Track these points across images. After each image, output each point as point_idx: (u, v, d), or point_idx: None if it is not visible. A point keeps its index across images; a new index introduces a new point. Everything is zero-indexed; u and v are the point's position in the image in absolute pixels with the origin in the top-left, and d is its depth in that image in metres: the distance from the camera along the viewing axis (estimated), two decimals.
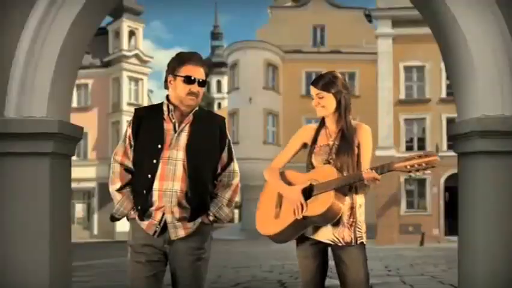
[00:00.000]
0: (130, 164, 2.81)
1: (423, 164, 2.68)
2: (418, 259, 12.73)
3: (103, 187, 32.89)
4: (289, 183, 2.97)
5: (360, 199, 2.97)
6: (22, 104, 3.73)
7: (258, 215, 3.07)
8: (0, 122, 3.68)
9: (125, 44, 34.61)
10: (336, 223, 2.88)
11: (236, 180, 2.93)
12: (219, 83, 78.54)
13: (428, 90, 27.25)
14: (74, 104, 30.69)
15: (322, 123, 3.07)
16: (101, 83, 34.21)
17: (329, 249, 3.00)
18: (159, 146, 2.74)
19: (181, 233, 2.74)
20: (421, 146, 26.99)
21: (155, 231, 2.73)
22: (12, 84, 3.72)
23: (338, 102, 2.95)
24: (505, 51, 3.60)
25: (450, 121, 19.17)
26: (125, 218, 2.87)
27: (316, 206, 2.82)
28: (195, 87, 2.75)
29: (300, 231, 2.94)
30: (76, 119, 4.65)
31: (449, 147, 21.99)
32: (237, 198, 3.06)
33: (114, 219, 2.89)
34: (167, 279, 2.83)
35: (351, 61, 32.68)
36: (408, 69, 27.41)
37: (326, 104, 2.96)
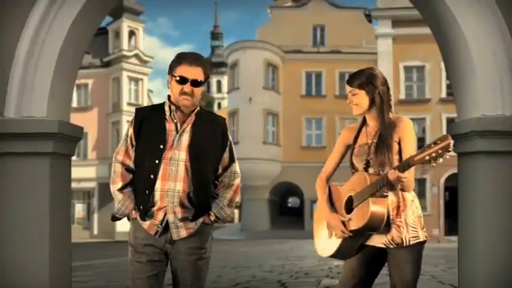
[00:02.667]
0: (131, 164, 2.81)
1: (439, 151, 2.58)
2: None
3: (103, 187, 32.90)
4: (332, 202, 2.93)
5: (409, 195, 2.83)
6: (22, 104, 3.73)
7: (316, 235, 3.03)
8: (0, 122, 3.68)
9: (125, 44, 34.61)
10: (387, 225, 2.77)
11: (237, 181, 2.93)
12: (219, 83, 78.57)
13: (428, 90, 27.28)
14: (74, 104, 30.69)
15: (364, 121, 2.98)
16: (101, 83, 34.21)
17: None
18: (161, 147, 2.74)
19: (183, 233, 2.74)
20: (421, 146, 26.87)
21: (157, 231, 2.73)
22: (12, 84, 3.72)
23: (372, 100, 2.85)
24: (505, 51, 3.60)
25: (450, 121, 19.18)
26: (125, 218, 2.87)
27: (358, 218, 2.75)
28: (187, 87, 2.74)
29: (357, 242, 2.85)
30: (76, 119, 4.65)
31: None
32: (238, 199, 3.06)
33: (115, 218, 2.88)
34: (168, 279, 2.83)
35: (351, 61, 32.62)
36: (408, 69, 27.44)
37: (358, 101, 2.87)
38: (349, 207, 2.83)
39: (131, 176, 2.82)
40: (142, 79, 35.15)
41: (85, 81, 33.45)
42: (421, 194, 26.99)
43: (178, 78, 2.75)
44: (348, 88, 2.91)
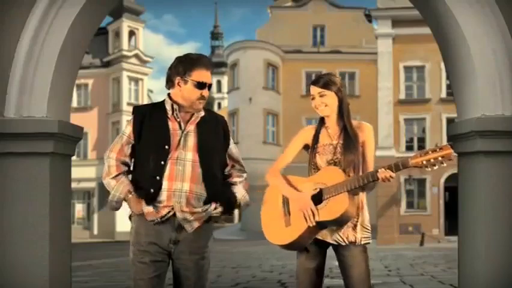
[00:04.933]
0: (126, 159, 2.79)
1: (439, 158, 2.65)
2: (418, 259, 12.73)
3: (103, 187, 32.82)
4: (295, 189, 2.92)
5: (364, 197, 2.96)
6: (22, 104, 3.72)
7: (266, 224, 2.99)
8: (0, 122, 3.68)
9: (125, 44, 34.63)
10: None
11: (246, 175, 2.98)
12: (219, 83, 78.54)
13: (428, 90, 27.27)
14: (74, 104, 30.73)
15: (322, 123, 3.04)
16: (101, 83, 34.24)
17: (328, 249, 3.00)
18: (166, 147, 2.72)
19: (196, 224, 2.72)
20: (421, 146, 26.99)
21: (165, 215, 2.69)
22: (12, 84, 3.71)
23: (340, 101, 2.94)
24: (505, 51, 3.60)
25: (450, 121, 19.18)
26: (128, 218, 2.86)
27: (331, 210, 2.78)
28: (206, 92, 2.76)
29: (313, 236, 2.89)
30: (76, 119, 4.65)
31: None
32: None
33: (113, 208, 2.81)
34: (168, 279, 2.83)
35: (351, 61, 32.72)
36: (408, 69, 27.43)
37: (329, 102, 2.93)
38: (317, 199, 2.84)
39: (126, 168, 2.80)
40: (142, 79, 35.17)
41: (85, 81, 33.47)
42: (421, 194, 27.00)
43: (196, 83, 2.73)
44: (316, 90, 2.95)
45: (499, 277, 3.55)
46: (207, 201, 2.76)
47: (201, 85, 2.74)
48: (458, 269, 3.86)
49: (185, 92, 2.75)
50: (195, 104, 2.75)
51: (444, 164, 2.67)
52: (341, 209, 2.76)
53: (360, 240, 2.88)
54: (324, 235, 2.90)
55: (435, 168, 2.69)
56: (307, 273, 3.00)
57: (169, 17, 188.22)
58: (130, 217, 2.84)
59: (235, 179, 2.92)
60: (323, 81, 2.95)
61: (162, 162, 2.70)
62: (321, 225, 2.83)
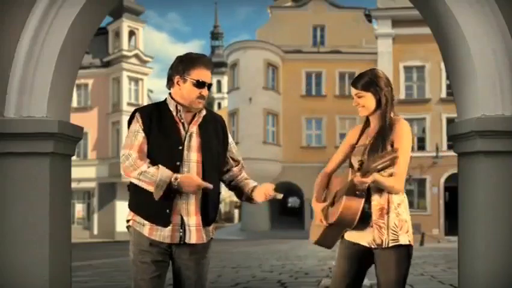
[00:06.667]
0: (145, 157, 2.69)
1: (388, 162, 2.59)
2: (418, 259, 12.72)
3: (103, 187, 32.98)
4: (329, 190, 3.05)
5: (397, 198, 2.83)
6: (22, 104, 3.72)
7: (312, 223, 3.13)
8: (0, 122, 3.68)
9: (125, 44, 34.62)
10: (371, 226, 2.82)
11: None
12: (219, 83, 78.55)
13: (428, 90, 27.29)
14: (74, 104, 30.73)
15: (367, 122, 3.00)
16: (101, 83, 34.23)
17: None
18: (180, 148, 2.71)
19: (193, 239, 2.72)
20: (421, 146, 27.02)
21: (180, 237, 2.71)
22: (12, 84, 3.71)
23: (378, 101, 2.89)
24: (505, 51, 3.60)
25: (450, 121, 19.18)
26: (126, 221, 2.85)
27: (334, 213, 2.83)
28: (205, 91, 2.74)
29: (339, 233, 2.95)
30: (76, 119, 4.64)
31: (449, 147, 21.97)
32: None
33: (160, 195, 2.61)
34: (168, 279, 2.83)
35: (351, 61, 32.68)
36: (408, 69, 27.45)
37: (365, 103, 2.89)
38: (334, 201, 2.91)
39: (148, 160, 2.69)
40: (142, 79, 35.17)
41: (85, 81, 33.47)
42: (421, 194, 27.01)
43: (195, 82, 2.72)
44: (353, 91, 2.92)
45: (499, 277, 3.54)
46: (209, 203, 2.76)
47: (200, 84, 2.72)
48: (458, 269, 3.86)
49: (185, 91, 2.74)
50: (194, 103, 2.74)
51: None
52: (335, 214, 2.80)
53: (388, 243, 2.79)
54: (360, 238, 2.86)
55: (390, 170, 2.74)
56: (339, 272, 2.97)
57: (173, 15, 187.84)
58: (128, 227, 2.83)
59: (243, 174, 2.99)
60: (361, 81, 2.89)
61: (178, 163, 2.69)
62: (335, 225, 2.86)
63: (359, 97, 2.90)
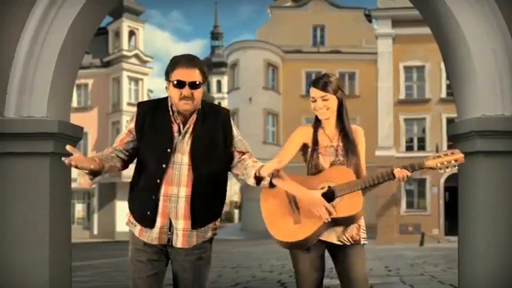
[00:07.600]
0: (120, 154, 2.77)
1: (452, 161, 2.78)
2: (418, 259, 12.73)
3: (103, 187, 32.94)
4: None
5: None
6: (22, 104, 3.72)
7: (270, 221, 2.93)
8: (0, 122, 3.68)
9: (125, 44, 34.61)
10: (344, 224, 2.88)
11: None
12: (219, 83, 78.51)
13: (428, 90, 27.26)
14: (74, 104, 30.71)
15: (318, 123, 3.01)
16: (101, 83, 34.22)
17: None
18: (168, 150, 2.67)
19: (179, 243, 2.69)
20: (421, 146, 27.01)
21: (168, 239, 2.69)
22: (12, 84, 3.72)
23: (340, 103, 2.94)
24: (505, 51, 3.61)
25: (450, 121, 19.19)
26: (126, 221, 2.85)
27: (348, 208, 2.80)
28: (186, 91, 2.63)
29: (321, 233, 2.88)
30: (76, 119, 4.64)
31: (449, 147, 21.96)
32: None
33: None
34: (168, 279, 2.83)
35: (351, 61, 32.70)
36: (408, 69, 27.41)
37: (330, 105, 2.92)
38: (326, 197, 2.83)
39: (121, 155, 2.77)
40: (142, 79, 35.14)
41: (85, 81, 33.45)
42: (421, 194, 26.98)
43: (175, 82, 2.63)
44: (318, 93, 2.91)
45: (499, 277, 3.55)
46: (199, 208, 2.70)
47: (179, 84, 2.63)
48: (458, 269, 3.86)
49: (170, 93, 2.69)
50: (180, 106, 2.66)
51: (456, 167, 2.84)
52: (356, 206, 2.81)
53: (360, 240, 2.92)
54: (330, 236, 2.89)
55: (447, 170, 2.82)
56: (313, 272, 3.00)
57: (175, 15, 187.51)
58: (128, 222, 2.83)
59: (251, 160, 2.83)
60: (324, 83, 2.92)
61: (164, 166, 2.65)
62: (334, 222, 2.83)
63: (325, 100, 2.91)
